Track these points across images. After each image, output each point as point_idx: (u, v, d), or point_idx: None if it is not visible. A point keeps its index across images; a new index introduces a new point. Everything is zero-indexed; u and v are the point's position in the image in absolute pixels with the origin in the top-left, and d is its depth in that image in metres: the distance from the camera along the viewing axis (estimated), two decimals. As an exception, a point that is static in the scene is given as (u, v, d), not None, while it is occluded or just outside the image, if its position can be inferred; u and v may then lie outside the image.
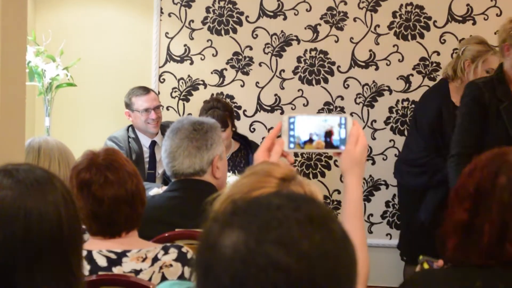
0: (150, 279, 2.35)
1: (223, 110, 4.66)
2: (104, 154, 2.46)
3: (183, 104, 5.36)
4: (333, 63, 5.30)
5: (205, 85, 5.34)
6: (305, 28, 5.29)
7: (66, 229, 1.56)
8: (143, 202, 2.48)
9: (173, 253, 2.38)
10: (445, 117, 4.56)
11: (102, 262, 2.34)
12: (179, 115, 5.32)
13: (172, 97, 5.33)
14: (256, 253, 1.09)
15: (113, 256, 2.37)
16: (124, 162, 2.47)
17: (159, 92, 5.29)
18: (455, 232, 1.78)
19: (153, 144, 4.92)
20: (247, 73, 5.32)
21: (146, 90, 4.88)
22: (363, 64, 5.29)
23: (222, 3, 5.30)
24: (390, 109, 5.32)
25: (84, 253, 2.35)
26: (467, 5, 5.24)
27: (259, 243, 1.09)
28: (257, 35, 5.30)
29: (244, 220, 1.12)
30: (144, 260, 2.37)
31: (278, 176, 1.82)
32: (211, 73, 5.34)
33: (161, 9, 5.30)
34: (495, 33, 5.20)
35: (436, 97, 4.63)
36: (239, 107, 5.25)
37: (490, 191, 1.76)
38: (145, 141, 4.92)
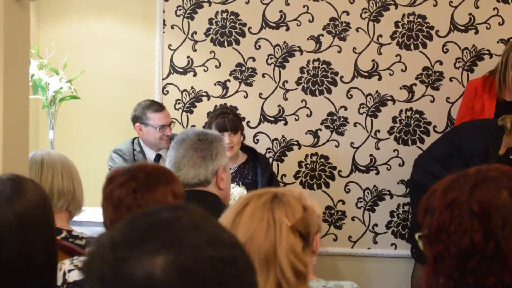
0: None
1: (233, 115, 4.68)
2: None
3: (187, 115, 5.36)
4: (336, 74, 5.30)
5: (208, 96, 5.35)
6: (308, 39, 5.29)
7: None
8: None
9: None
10: (490, 160, 4.57)
11: None
12: (183, 127, 5.32)
13: (175, 109, 5.34)
14: (198, 260, 1.07)
15: None
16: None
17: (162, 104, 5.30)
18: (465, 257, 1.73)
19: (158, 157, 4.93)
20: (250, 84, 5.33)
21: (162, 106, 4.93)
22: (366, 74, 5.30)
23: (224, 15, 5.31)
24: (394, 119, 5.32)
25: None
26: (469, 14, 5.24)
27: (193, 252, 1.07)
28: (260, 46, 5.31)
29: (161, 242, 1.08)
30: None
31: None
32: (215, 84, 5.34)
33: (164, 21, 5.31)
34: (497, 42, 5.22)
35: (488, 140, 4.61)
36: (243, 119, 5.24)
37: (494, 209, 1.72)
38: (151, 154, 4.93)
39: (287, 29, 5.29)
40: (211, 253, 1.08)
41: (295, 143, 5.35)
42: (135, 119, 4.88)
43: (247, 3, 5.29)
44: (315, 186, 5.36)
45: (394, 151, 5.34)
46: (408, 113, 5.31)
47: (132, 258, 1.06)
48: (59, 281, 2.32)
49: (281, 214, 1.90)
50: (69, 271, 2.33)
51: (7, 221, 1.79)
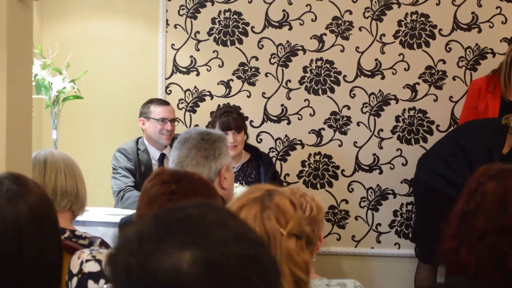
0: None
1: (237, 114, 4.69)
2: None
3: (190, 115, 5.36)
4: (339, 73, 5.30)
5: (211, 96, 5.35)
6: (311, 38, 5.29)
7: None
8: None
9: None
10: (494, 158, 4.57)
11: None
12: (186, 126, 5.32)
13: (179, 108, 5.34)
14: (224, 256, 1.08)
15: None
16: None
17: (165, 104, 5.30)
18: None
19: (162, 156, 4.93)
20: (253, 84, 5.33)
21: (165, 102, 5.01)
22: (369, 73, 5.29)
23: (227, 14, 5.31)
24: (397, 118, 5.31)
25: None
26: (472, 13, 5.23)
27: (220, 248, 1.09)
28: (262, 45, 5.31)
29: (188, 236, 1.10)
30: None
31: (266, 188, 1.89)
32: (218, 84, 5.34)
33: (167, 20, 5.31)
34: (500, 41, 5.22)
35: (491, 139, 4.61)
36: (246, 118, 5.24)
37: None
38: (155, 154, 4.93)
39: (290, 29, 5.29)
40: (237, 250, 1.09)
41: (298, 142, 5.35)
42: (140, 114, 4.93)
43: (250, 2, 5.29)
44: (318, 186, 5.36)
45: (397, 150, 5.33)
46: (411, 112, 5.31)
47: (159, 251, 1.08)
48: (76, 269, 2.34)
49: (273, 225, 1.88)
50: (87, 261, 2.34)
51: (24, 215, 1.80)
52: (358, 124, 5.32)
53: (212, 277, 1.06)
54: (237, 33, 5.32)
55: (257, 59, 5.31)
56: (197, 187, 2.38)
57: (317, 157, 5.36)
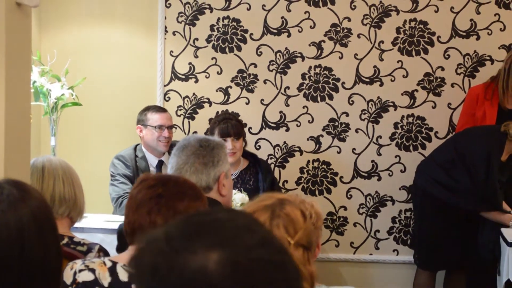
0: None
1: (236, 121, 4.69)
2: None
3: (188, 122, 5.36)
4: (338, 80, 5.31)
5: (210, 103, 5.35)
6: (309, 45, 5.30)
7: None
8: None
9: None
10: (492, 164, 4.57)
11: (123, 277, 2.35)
12: (185, 133, 5.32)
13: (177, 115, 5.34)
14: (250, 259, 1.10)
15: None
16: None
17: (164, 111, 5.30)
18: None
19: (160, 163, 4.93)
20: (252, 91, 5.33)
21: (162, 109, 5.00)
22: (368, 80, 5.30)
23: (226, 21, 5.31)
24: (395, 125, 5.32)
25: (109, 264, 2.36)
26: (471, 20, 5.24)
27: (247, 251, 1.10)
28: (261, 52, 5.31)
29: (217, 238, 1.12)
30: None
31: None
32: (216, 91, 5.34)
33: (166, 27, 5.32)
34: (499, 48, 5.22)
35: (490, 145, 4.61)
36: (245, 125, 5.24)
37: None
38: (153, 161, 4.93)
39: (289, 35, 5.30)
40: (263, 255, 1.11)
41: (297, 149, 5.35)
42: (137, 121, 4.93)
43: (248, 9, 5.30)
44: (316, 192, 5.36)
45: (395, 157, 5.34)
46: (410, 119, 5.31)
47: (186, 250, 1.09)
48: (69, 280, 2.34)
49: (281, 234, 1.87)
50: (80, 271, 2.35)
51: (27, 220, 1.80)
52: (356, 131, 5.32)
53: (238, 279, 1.08)
54: (235, 40, 5.32)
55: (255, 66, 5.32)
56: (184, 189, 2.39)
57: (316, 164, 5.36)
